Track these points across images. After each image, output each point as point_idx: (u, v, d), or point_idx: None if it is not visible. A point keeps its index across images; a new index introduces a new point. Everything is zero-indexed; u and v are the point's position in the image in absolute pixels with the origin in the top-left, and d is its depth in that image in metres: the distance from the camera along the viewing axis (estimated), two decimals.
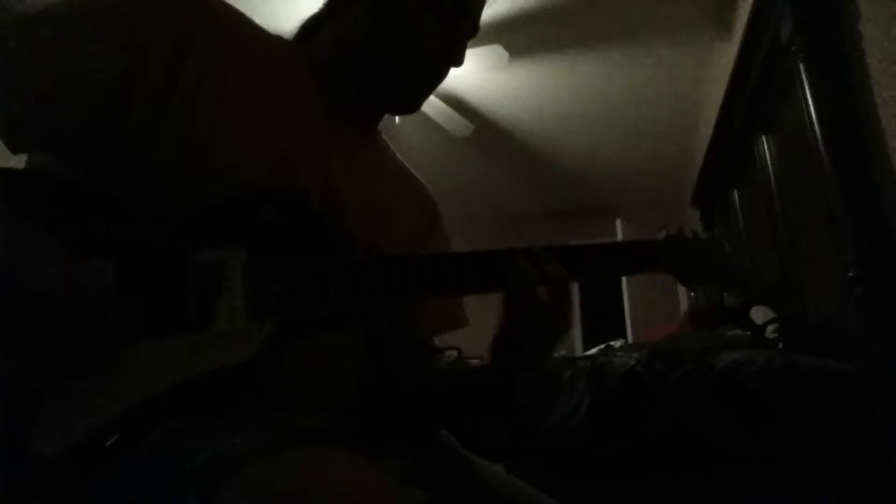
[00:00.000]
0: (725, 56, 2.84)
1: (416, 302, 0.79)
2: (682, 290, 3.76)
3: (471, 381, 0.78)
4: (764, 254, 2.37)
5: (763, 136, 2.33)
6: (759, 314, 2.08)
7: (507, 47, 2.93)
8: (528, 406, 1.62)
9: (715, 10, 2.91)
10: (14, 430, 0.50)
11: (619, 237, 4.11)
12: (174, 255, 0.56)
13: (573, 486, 1.49)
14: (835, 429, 1.38)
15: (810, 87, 1.73)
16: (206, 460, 0.47)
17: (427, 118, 3.33)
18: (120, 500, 0.50)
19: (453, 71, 0.81)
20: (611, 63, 3.35)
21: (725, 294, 2.03)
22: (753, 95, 2.31)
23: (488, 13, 0.83)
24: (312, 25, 0.82)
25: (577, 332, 5.03)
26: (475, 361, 0.82)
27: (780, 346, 1.84)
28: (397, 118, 0.85)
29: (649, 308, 4.13)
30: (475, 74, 3.23)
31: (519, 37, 3.06)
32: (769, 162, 2.29)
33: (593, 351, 2.27)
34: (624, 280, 3.86)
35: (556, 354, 2.54)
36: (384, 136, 0.87)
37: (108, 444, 0.51)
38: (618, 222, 4.26)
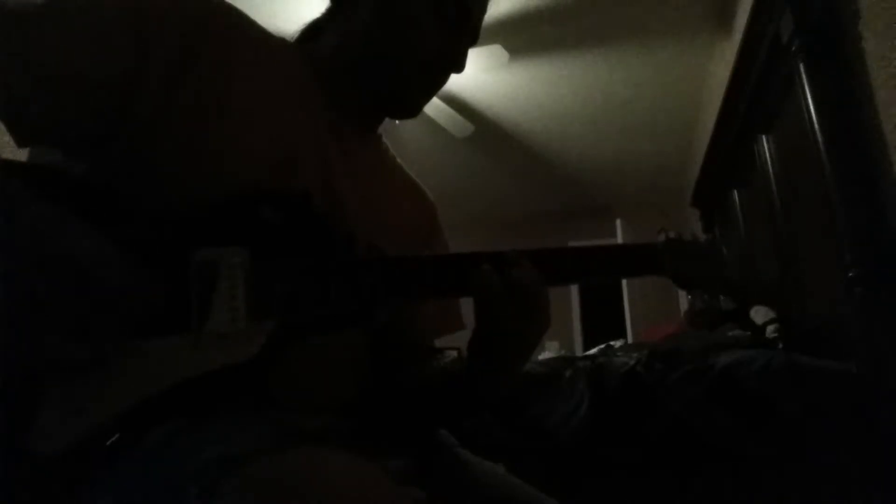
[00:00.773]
0: (725, 56, 2.85)
1: (415, 304, 0.79)
2: (681, 290, 3.76)
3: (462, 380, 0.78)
4: (764, 254, 2.37)
5: (763, 136, 2.34)
6: (759, 314, 2.08)
7: (507, 47, 2.93)
8: (528, 406, 1.63)
9: (715, 10, 2.91)
10: (14, 429, 0.50)
11: (619, 237, 4.11)
12: (175, 255, 0.56)
13: (573, 486, 1.49)
14: (835, 429, 1.38)
15: (810, 87, 1.73)
16: (207, 460, 0.47)
17: (427, 118, 3.34)
18: (120, 499, 0.50)
19: None
20: (611, 63, 3.36)
21: (723, 298, 2.03)
22: (753, 95, 2.31)
23: (488, 13, 0.84)
24: (315, 28, 0.82)
25: (577, 332, 5.03)
26: None
27: (780, 346, 1.85)
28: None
29: (649, 308, 4.13)
30: (475, 74, 3.24)
31: (519, 37, 3.06)
32: (769, 162, 2.29)
33: (593, 351, 2.27)
34: (624, 280, 3.86)
35: (556, 354, 2.54)
36: (384, 139, 0.88)
37: (108, 444, 0.51)
38: (617, 222, 4.27)
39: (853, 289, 1.52)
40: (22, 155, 0.65)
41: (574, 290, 5.12)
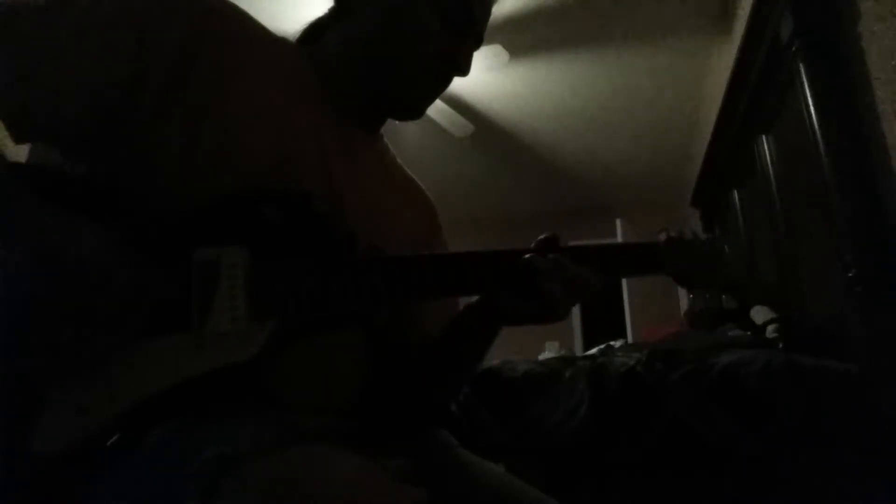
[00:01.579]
0: (725, 56, 2.85)
1: (416, 303, 0.79)
2: (682, 290, 3.76)
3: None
4: (764, 254, 2.37)
5: (763, 136, 2.33)
6: (759, 314, 2.09)
7: (507, 47, 2.93)
8: (528, 406, 1.63)
9: (715, 10, 2.91)
10: (15, 429, 0.50)
11: (619, 237, 4.11)
12: (175, 254, 0.56)
13: (573, 486, 1.49)
14: (835, 429, 1.38)
15: (810, 87, 1.73)
16: (207, 460, 0.47)
17: (427, 118, 3.33)
18: (120, 499, 0.50)
19: None
20: (611, 63, 3.36)
21: (724, 297, 2.03)
22: (753, 95, 2.31)
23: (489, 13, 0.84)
24: (317, 28, 0.82)
25: (577, 332, 5.03)
26: None
27: (780, 346, 1.85)
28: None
29: (649, 308, 4.13)
30: (475, 74, 3.23)
31: (519, 37, 3.06)
32: (769, 162, 2.29)
33: (593, 351, 2.28)
34: (624, 280, 3.86)
35: (556, 354, 2.54)
36: (385, 139, 0.88)
37: (109, 443, 0.51)
38: (618, 222, 4.27)
39: (853, 289, 1.52)
40: (21, 156, 0.65)
41: None
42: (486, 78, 3.37)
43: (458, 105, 3.54)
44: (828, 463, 1.37)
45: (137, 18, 0.62)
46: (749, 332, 2.01)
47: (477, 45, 0.80)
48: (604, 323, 4.24)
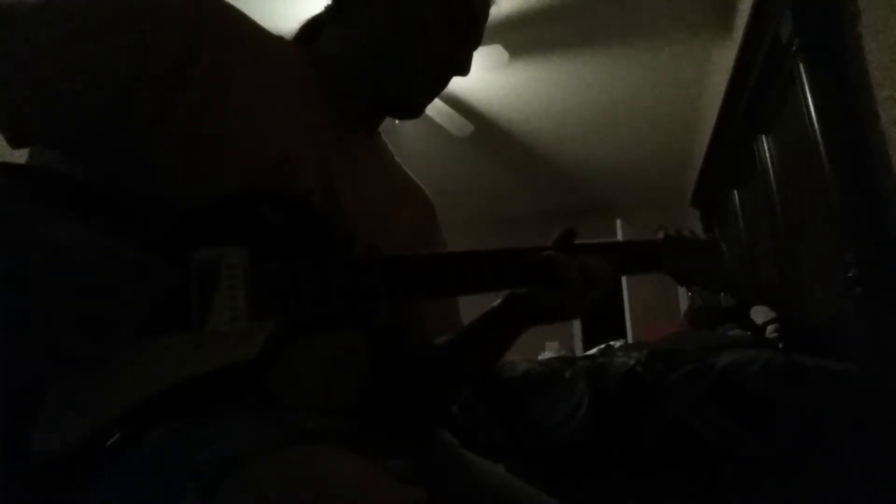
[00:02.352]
0: (725, 56, 2.84)
1: (415, 303, 0.79)
2: (682, 290, 3.76)
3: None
4: (764, 254, 2.37)
5: (763, 136, 2.33)
6: (759, 314, 2.08)
7: (507, 47, 2.93)
8: (528, 406, 1.63)
9: (715, 10, 2.91)
10: (14, 429, 0.50)
11: (619, 237, 4.11)
12: (175, 254, 0.56)
13: (573, 486, 1.49)
14: (835, 429, 1.38)
15: (810, 87, 1.73)
16: (208, 460, 0.47)
17: (427, 118, 3.33)
18: (120, 499, 0.50)
19: None
20: (611, 63, 3.35)
21: (723, 295, 2.03)
22: (753, 95, 2.31)
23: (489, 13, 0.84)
24: (313, 26, 0.82)
25: (577, 332, 5.03)
26: None
27: (780, 346, 1.84)
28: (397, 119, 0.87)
29: (649, 308, 4.13)
30: (475, 74, 3.22)
31: (519, 37, 3.06)
32: (769, 162, 2.29)
33: (593, 351, 2.27)
34: (624, 280, 3.86)
35: (556, 354, 2.54)
36: (384, 138, 0.88)
37: (108, 444, 0.51)
38: (618, 222, 4.27)
39: (853, 289, 1.52)
40: (21, 157, 0.65)
41: None
42: (486, 78, 3.37)
43: (458, 105, 3.54)
44: (828, 463, 1.37)
45: (136, 18, 0.61)
46: (749, 332, 2.01)
47: (476, 45, 0.80)
48: (604, 323, 4.23)
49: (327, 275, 0.60)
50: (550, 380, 1.66)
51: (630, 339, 3.48)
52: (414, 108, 0.80)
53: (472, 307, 0.85)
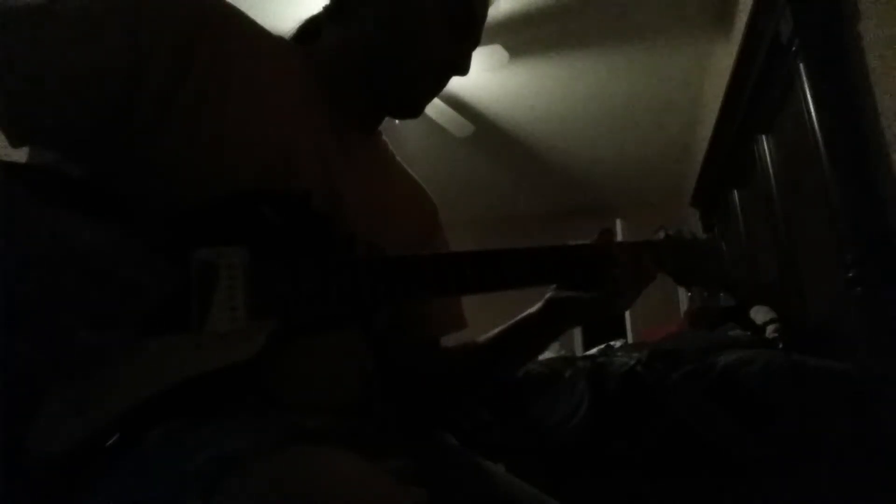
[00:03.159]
0: (725, 56, 2.84)
1: (417, 303, 0.79)
2: (682, 290, 3.76)
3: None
4: (764, 254, 2.37)
5: (763, 136, 2.33)
6: (759, 314, 2.08)
7: (507, 47, 2.93)
8: (528, 406, 1.62)
9: (715, 10, 2.91)
10: (14, 429, 0.50)
11: (619, 237, 4.10)
12: (174, 254, 0.56)
13: (573, 486, 1.49)
14: (835, 429, 1.38)
15: (810, 87, 1.73)
16: (208, 460, 0.47)
17: (427, 118, 3.33)
18: (120, 500, 0.50)
19: None
20: (611, 63, 3.35)
21: (722, 295, 2.04)
22: (753, 95, 2.31)
23: (488, 13, 0.84)
24: (312, 26, 0.82)
25: (577, 332, 5.03)
26: None
27: (780, 346, 1.84)
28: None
29: (649, 308, 4.12)
30: (475, 74, 3.22)
31: (519, 37, 3.05)
32: (769, 162, 2.29)
33: (593, 351, 2.27)
34: None
35: (556, 354, 2.54)
36: (384, 137, 0.88)
37: (108, 444, 0.51)
38: (618, 222, 4.26)
39: (853, 289, 1.52)
40: (21, 157, 0.65)
41: None
42: (486, 78, 3.37)
43: (458, 105, 3.54)
44: (828, 463, 1.37)
45: (135, 18, 0.61)
46: (749, 332, 2.01)
47: (475, 45, 0.80)
48: (604, 323, 4.23)
49: (327, 275, 0.60)
50: (550, 380, 1.66)
51: (630, 339, 3.47)
52: (413, 108, 0.80)
53: (472, 307, 0.86)
